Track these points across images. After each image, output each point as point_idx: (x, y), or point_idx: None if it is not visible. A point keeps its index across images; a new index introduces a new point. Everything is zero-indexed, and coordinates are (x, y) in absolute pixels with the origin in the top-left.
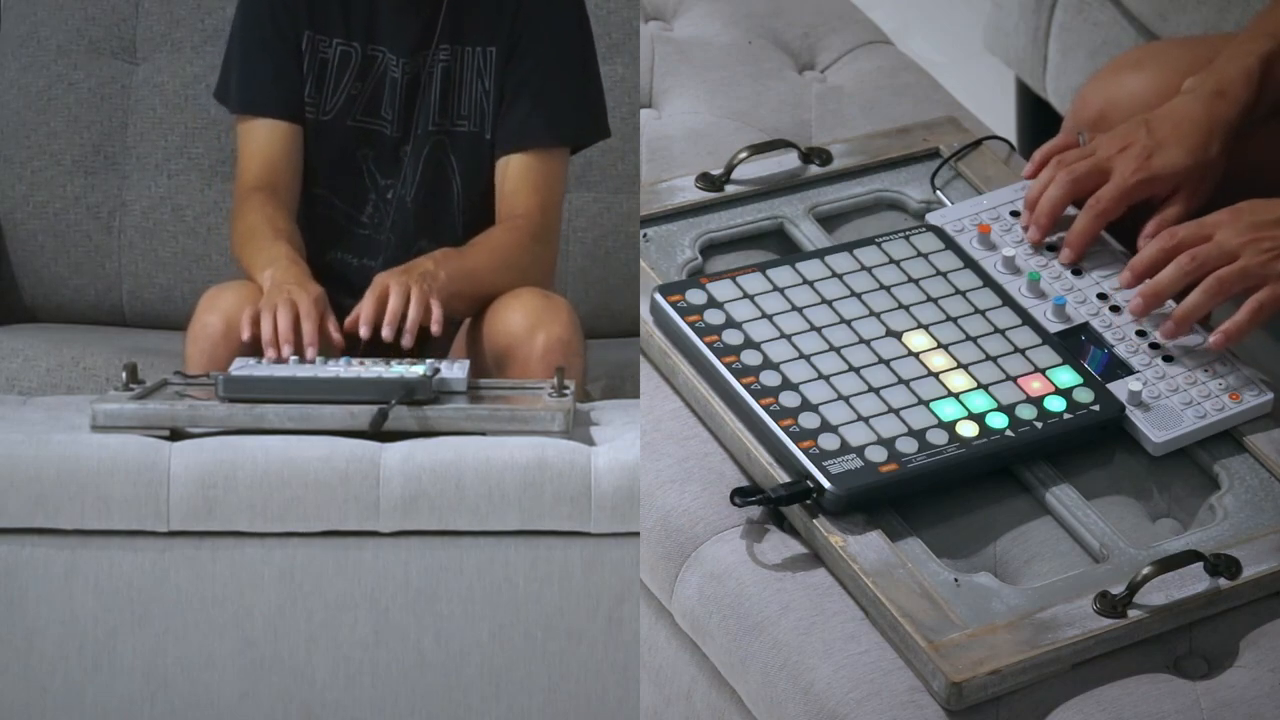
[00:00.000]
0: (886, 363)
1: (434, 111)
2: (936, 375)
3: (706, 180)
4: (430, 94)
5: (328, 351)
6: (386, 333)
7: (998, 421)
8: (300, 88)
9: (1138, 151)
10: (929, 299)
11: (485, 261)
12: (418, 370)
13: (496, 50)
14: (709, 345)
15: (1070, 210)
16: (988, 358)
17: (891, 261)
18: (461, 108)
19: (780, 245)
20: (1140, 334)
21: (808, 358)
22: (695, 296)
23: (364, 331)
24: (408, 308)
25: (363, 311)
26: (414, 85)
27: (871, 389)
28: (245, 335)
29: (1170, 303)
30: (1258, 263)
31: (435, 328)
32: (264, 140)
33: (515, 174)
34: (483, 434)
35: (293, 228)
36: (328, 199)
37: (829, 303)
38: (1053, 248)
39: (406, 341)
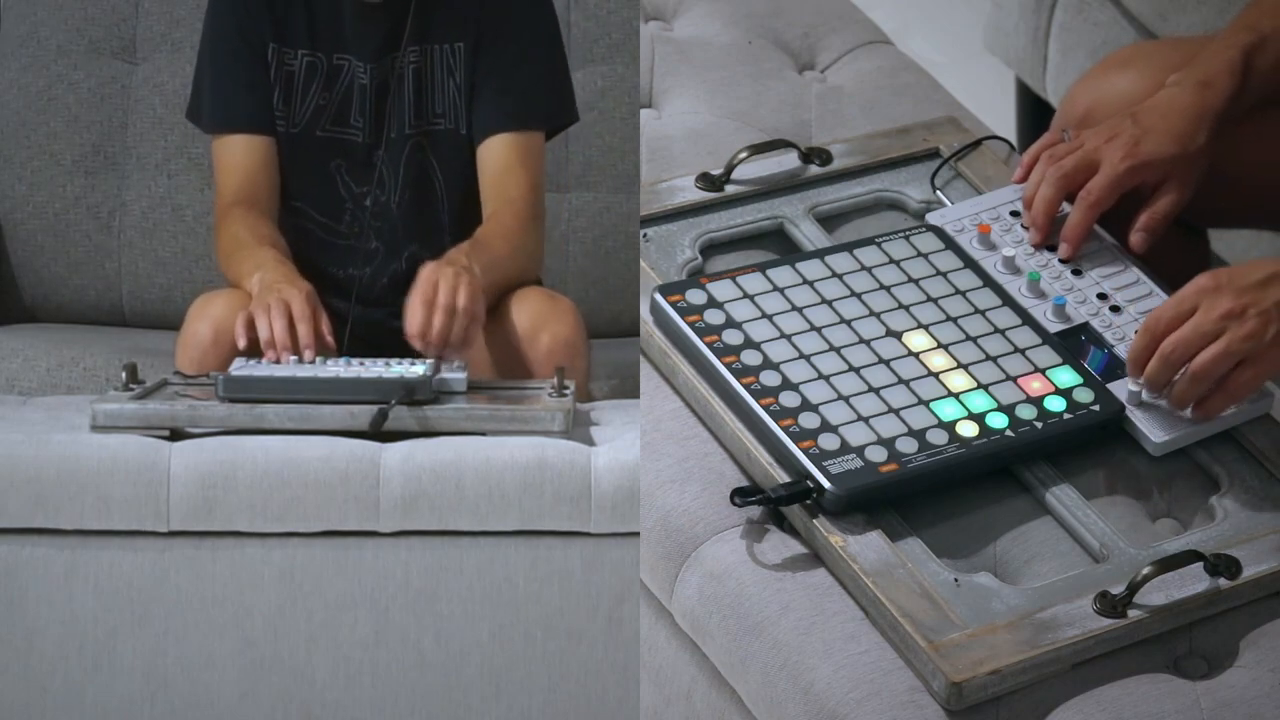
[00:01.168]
0: (886, 363)
1: (409, 113)
2: (936, 375)
3: (706, 180)
4: (402, 97)
5: (321, 353)
6: (439, 320)
7: (998, 421)
8: (270, 100)
9: (1125, 140)
10: (929, 299)
11: (505, 250)
12: (418, 370)
13: (465, 45)
14: (709, 345)
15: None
16: (988, 358)
17: (891, 261)
18: (436, 106)
19: (780, 245)
20: None
21: (808, 358)
22: (695, 296)
23: (417, 325)
24: (457, 298)
25: (411, 307)
26: (383, 90)
27: (871, 389)
28: (242, 343)
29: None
30: (1240, 338)
31: (475, 334)
32: (240, 155)
33: (500, 155)
34: (483, 434)
35: (276, 234)
36: (305, 211)
37: (829, 303)
38: (1052, 247)
39: (458, 329)
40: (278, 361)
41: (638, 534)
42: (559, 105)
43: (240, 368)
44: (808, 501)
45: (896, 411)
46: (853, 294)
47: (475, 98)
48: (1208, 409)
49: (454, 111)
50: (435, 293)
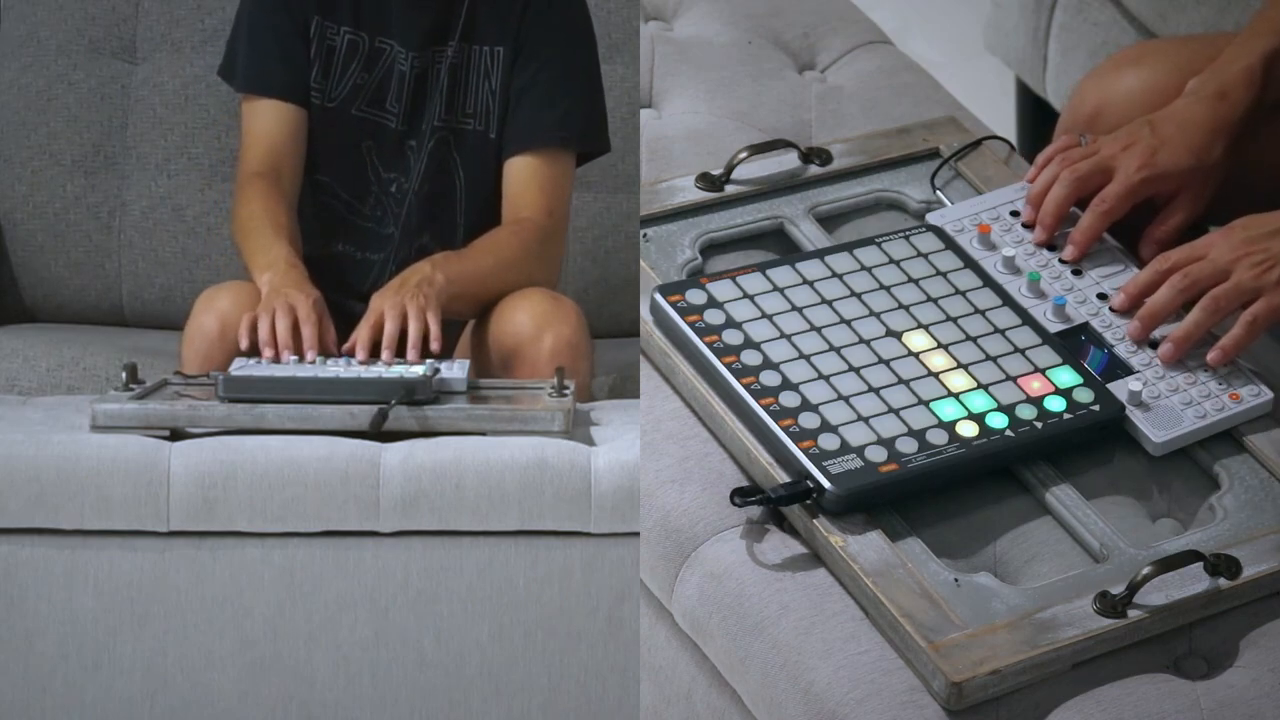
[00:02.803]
0: (886, 363)
1: (440, 108)
2: (936, 375)
3: (706, 180)
4: (436, 91)
5: (326, 347)
6: (385, 356)
7: (998, 421)
8: (307, 71)
9: (1142, 149)
10: (929, 299)
11: (488, 262)
12: (418, 370)
13: (504, 51)
14: (709, 345)
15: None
16: (988, 358)
17: (891, 261)
18: (468, 105)
19: (780, 245)
20: None
21: (808, 358)
22: (695, 296)
23: (361, 356)
24: (407, 324)
25: (359, 338)
26: (422, 80)
27: (871, 389)
28: (244, 344)
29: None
30: (1251, 276)
31: (435, 345)
32: (269, 122)
33: (522, 176)
34: (483, 434)
35: (293, 222)
36: (330, 187)
37: (829, 303)
38: (1052, 246)
39: (412, 357)
40: (277, 360)
41: (638, 534)
42: (593, 130)
43: (240, 368)
44: (808, 501)
45: (896, 411)
46: (853, 294)
47: (511, 110)
48: (1226, 347)
49: (485, 114)
50: (380, 330)
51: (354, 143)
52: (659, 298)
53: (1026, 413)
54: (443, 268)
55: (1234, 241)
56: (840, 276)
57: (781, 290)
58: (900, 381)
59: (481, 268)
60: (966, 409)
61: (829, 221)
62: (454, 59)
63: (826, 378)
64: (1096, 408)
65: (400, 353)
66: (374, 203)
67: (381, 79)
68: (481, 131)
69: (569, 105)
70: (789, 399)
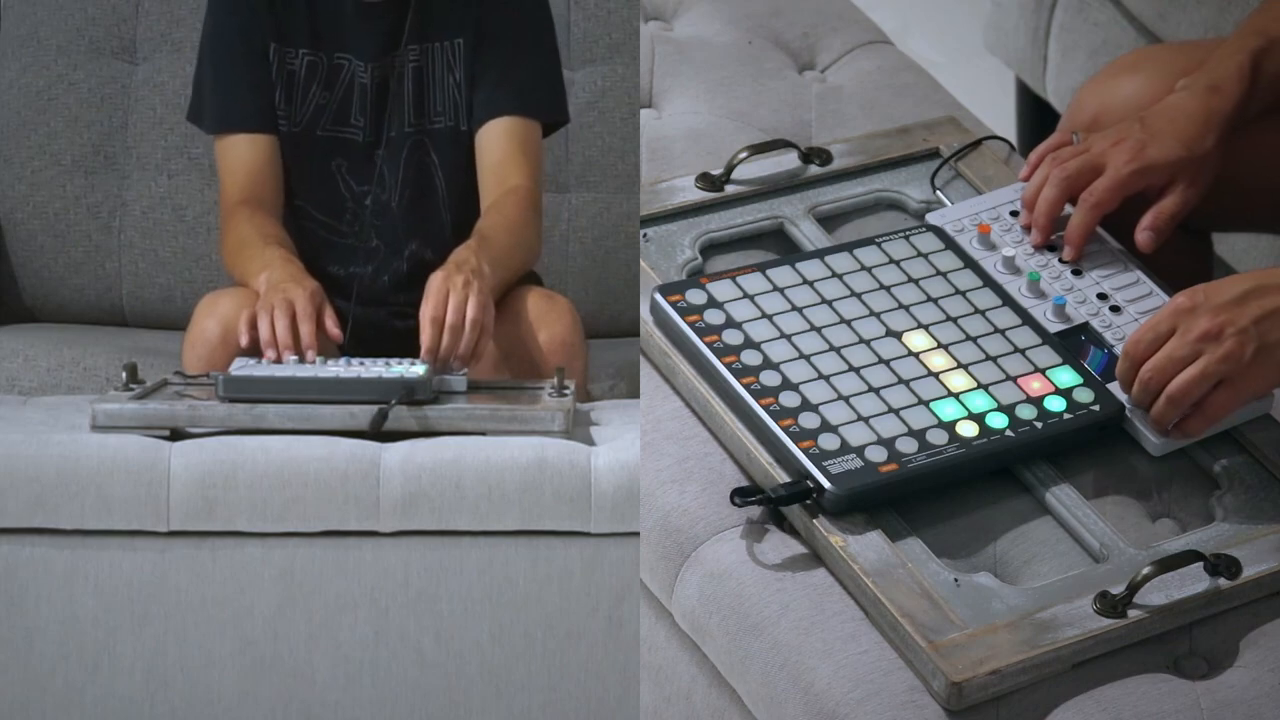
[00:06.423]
0: (886, 363)
1: (409, 112)
2: (936, 375)
3: (706, 180)
4: (402, 95)
5: (326, 348)
6: (453, 318)
7: (998, 421)
8: (273, 99)
9: (1131, 144)
10: (929, 299)
11: (508, 242)
12: (418, 370)
13: (465, 41)
14: (709, 345)
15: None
16: (988, 358)
17: (891, 261)
18: (436, 104)
19: (780, 245)
20: None
21: (808, 358)
22: (695, 296)
23: (428, 334)
24: (466, 311)
25: (422, 324)
26: (383, 89)
27: (871, 389)
28: (244, 341)
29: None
30: (1218, 358)
31: (485, 342)
32: (244, 155)
33: (501, 141)
34: (483, 434)
35: (282, 233)
36: (306, 211)
37: (829, 303)
38: (1053, 248)
39: (478, 357)
40: (278, 361)
41: (638, 534)
42: (556, 99)
43: (240, 368)
44: (808, 501)
45: (896, 411)
46: (853, 294)
47: (476, 87)
48: (1187, 429)
49: (454, 108)
50: (444, 309)
51: (324, 163)
52: (659, 298)
53: (1026, 413)
54: (483, 256)
55: (1199, 320)
56: (840, 276)
57: (781, 290)
58: (900, 381)
59: (505, 249)
60: (966, 409)
61: (829, 221)
62: (416, 61)
63: (826, 378)
64: (1096, 408)
65: (407, 353)
66: (350, 219)
67: (343, 95)
68: (453, 127)
69: (531, 78)
70: (789, 399)
